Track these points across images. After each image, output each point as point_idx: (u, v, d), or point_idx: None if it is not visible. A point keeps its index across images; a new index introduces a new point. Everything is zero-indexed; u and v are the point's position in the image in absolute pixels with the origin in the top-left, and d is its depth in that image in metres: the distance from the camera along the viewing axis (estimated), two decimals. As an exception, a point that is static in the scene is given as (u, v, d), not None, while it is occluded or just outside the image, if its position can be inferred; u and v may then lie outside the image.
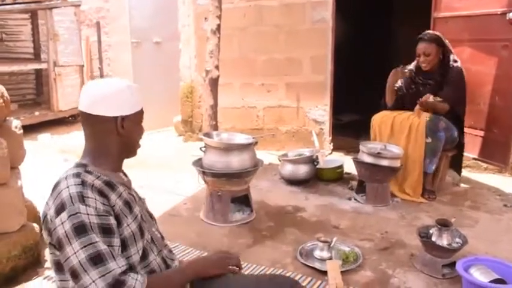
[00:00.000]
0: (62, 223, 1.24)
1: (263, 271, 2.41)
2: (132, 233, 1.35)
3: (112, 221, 1.30)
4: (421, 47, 3.50)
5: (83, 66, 6.99)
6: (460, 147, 3.65)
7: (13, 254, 2.33)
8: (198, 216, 3.18)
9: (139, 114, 1.45)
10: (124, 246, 1.32)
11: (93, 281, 1.21)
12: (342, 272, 2.27)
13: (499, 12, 3.59)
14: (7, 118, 2.45)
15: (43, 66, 6.52)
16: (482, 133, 3.84)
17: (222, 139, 3.16)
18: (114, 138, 1.41)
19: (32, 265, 2.44)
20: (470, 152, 3.90)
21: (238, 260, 1.58)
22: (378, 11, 6.63)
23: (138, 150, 1.53)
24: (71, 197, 1.27)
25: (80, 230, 1.23)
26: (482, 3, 3.75)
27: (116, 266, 1.25)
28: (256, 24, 4.96)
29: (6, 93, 2.39)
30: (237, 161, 2.95)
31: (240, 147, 3.01)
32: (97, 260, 1.23)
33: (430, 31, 3.62)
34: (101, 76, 6.94)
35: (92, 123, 1.39)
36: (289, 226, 3.02)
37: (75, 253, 1.22)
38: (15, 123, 2.48)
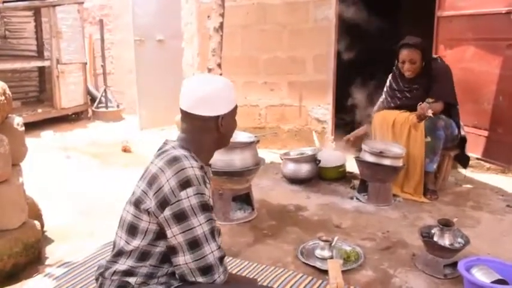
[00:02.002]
0: (188, 197, 1.38)
1: (264, 270, 2.40)
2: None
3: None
4: (406, 53, 3.39)
5: (85, 64, 6.99)
6: (462, 143, 3.60)
7: (14, 251, 2.33)
8: (199, 214, 3.18)
9: (235, 110, 1.57)
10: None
11: (212, 252, 1.40)
12: (343, 272, 2.26)
13: (503, 12, 3.57)
14: (9, 115, 2.46)
15: (46, 63, 6.52)
16: (485, 133, 3.82)
17: (223, 137, 3.15)
18: (213, 135, 1.53)
19: (32, 262, 2.44)
20: (473, 152, 3.88)
21: None
22: (383, 9, 6.58)
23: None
24: (196, 177, 1.41)
25: (205, 207, 1.41)
26: (487, 2, 3.73)
27: (221, 242, 1.47)
28: (259, 22, 4.95)
29: (8, 91, 2.39)
30: (238, 160, 2.95)
31: (242, 146, 3.00)
32: (214, 234, 1.43)
33: (412, 37, 3.45)
34: (104, 74, 6.95)
35: (194, 121, 1.51)
36: (290, 225, 3.02)
37: (200, 225, 1.39)
38: (17, 121, 2.49)
